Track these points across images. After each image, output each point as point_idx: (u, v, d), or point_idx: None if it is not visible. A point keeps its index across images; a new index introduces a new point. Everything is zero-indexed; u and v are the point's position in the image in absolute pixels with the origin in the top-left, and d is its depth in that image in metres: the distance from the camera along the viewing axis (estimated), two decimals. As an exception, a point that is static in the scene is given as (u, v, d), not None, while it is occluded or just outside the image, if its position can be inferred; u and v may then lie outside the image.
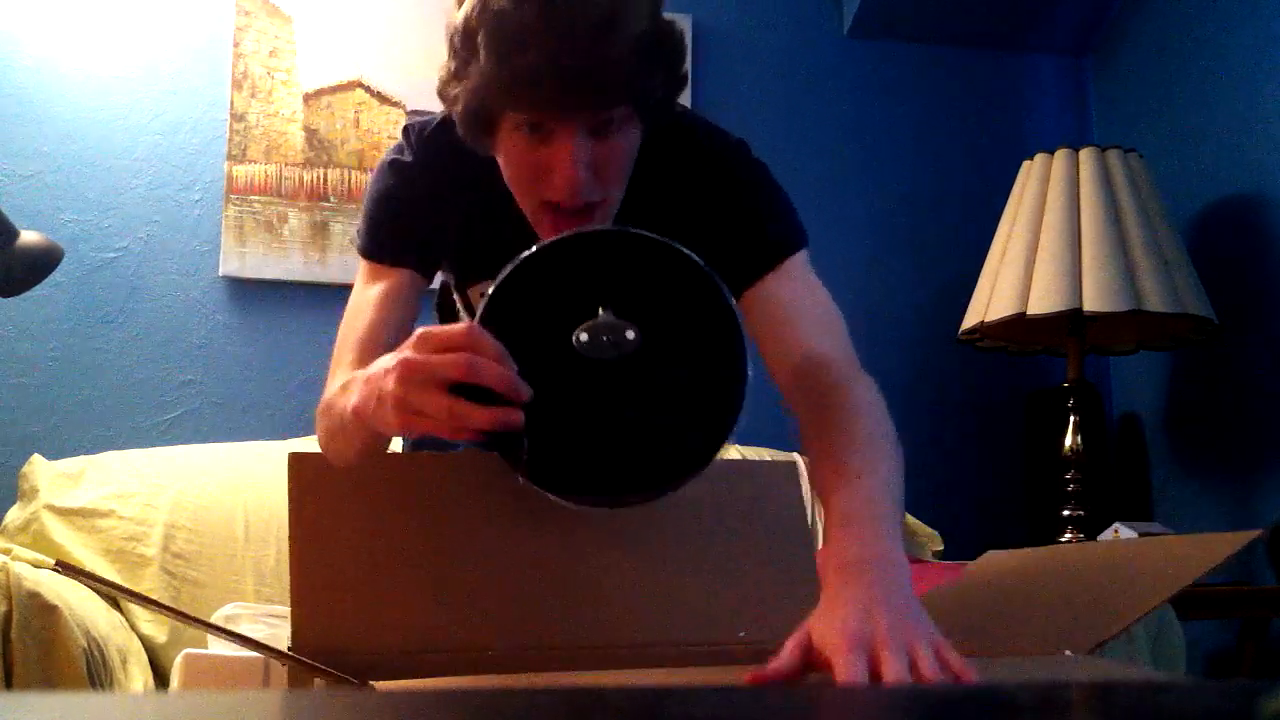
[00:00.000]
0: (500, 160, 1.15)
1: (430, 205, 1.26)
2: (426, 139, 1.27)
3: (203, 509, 1.98)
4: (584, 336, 0.88)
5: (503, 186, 1.20)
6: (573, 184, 1.07)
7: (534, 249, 0.93)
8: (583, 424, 0.87)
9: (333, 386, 1.17)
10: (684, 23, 2.59)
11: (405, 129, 1.29)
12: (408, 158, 1.26)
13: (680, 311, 0.92)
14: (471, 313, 1.29)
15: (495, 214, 1.23)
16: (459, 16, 1.06)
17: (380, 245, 1.27)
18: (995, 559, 1.21)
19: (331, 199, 2.40)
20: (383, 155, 1.30)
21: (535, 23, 1.01)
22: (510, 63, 1.02)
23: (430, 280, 1.29)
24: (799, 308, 1.21)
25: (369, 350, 1.17)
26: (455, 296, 1.34)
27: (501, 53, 1.02)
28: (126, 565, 1.90)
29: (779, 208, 1.27)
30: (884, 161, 2.70)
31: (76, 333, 2.31)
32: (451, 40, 1.09)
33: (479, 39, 1.04)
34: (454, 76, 1.09)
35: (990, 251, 2.39)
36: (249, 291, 2.38)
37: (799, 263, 1.24)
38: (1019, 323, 2.27)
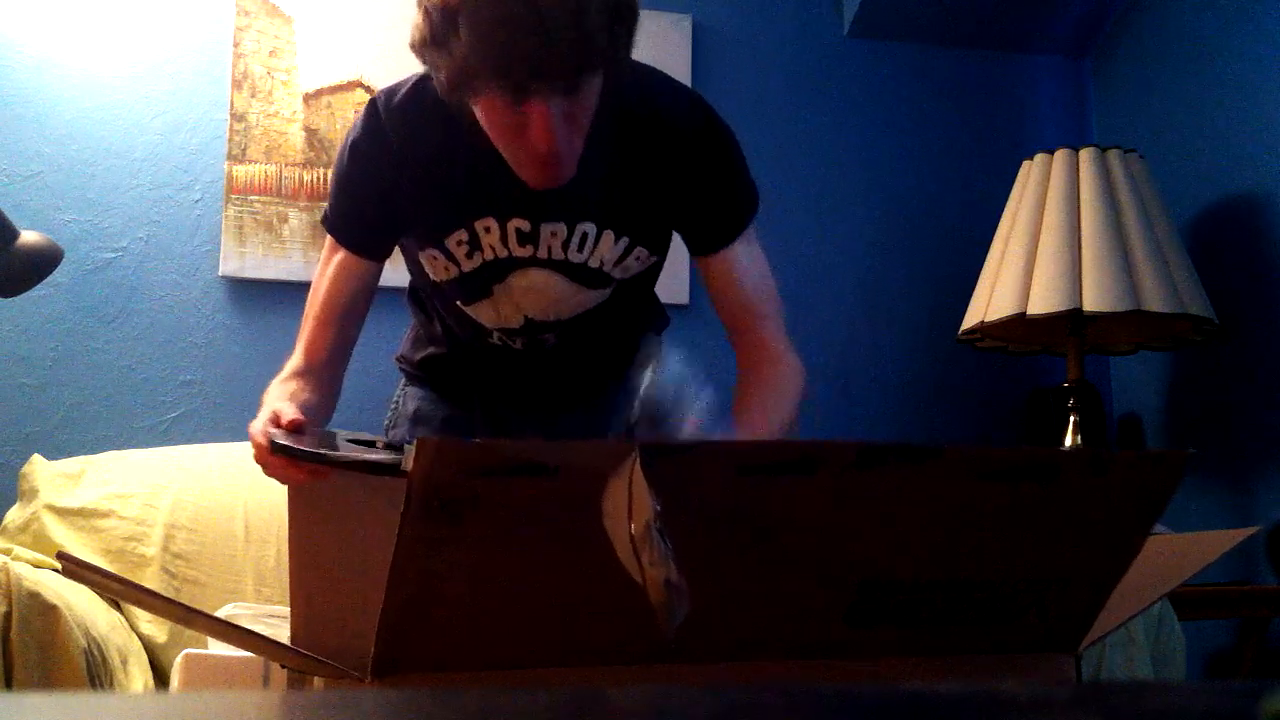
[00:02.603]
0: (479, 114, 1.22)
1: (391, 179, 1.32)
2: (396, 107, 1.33)
3: (203, 509, 1.98)
4: None
5: (481, 130, 1.27)
6: (550, 141, 1.16)
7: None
8: None
9: (293, 359, 1.34)
10: (684, 23, 2.59)
11: (372, 100, 1.35)
12: (365, 136, 1.33)
13: None
14: (452, 259, 1.36)
15: (475, 157, 1.30)
16: None
17: (337, 225, 1.37)
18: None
19: (331, 199, 2.40)
20: (349, 129, 1.37)
21: (516, 5, 1.06)
22: (494, 43, 1.08)
23: (385, 257, 1.39)
24: (747, 271, 1.40)
25: (322, 324, 1.35)
26: (428, 251, 1.38)
27: (484, 34, 1.08)
28: (126, 565, 1.90)
29: (741, 177, 1.40)
30: (884, 161, 2.70)
31: (76, 333, 2.31)
32: (427, 9, 1.14)
33: (460, 18, 1.09)
34: (433, 44, 1.14)
35: (990, 251, 2.39)
36: (249, 291, 2.38)
37: (751, 230, 1.41)
38: (1019, 323, 2.27)
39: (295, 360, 1.35)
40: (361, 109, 1.35)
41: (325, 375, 1.36)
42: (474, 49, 1.09)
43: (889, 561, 0.76)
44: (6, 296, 1.98)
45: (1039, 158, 2.36)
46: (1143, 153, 2.34)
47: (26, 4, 2.37)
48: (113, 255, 2.34)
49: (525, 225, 1.32)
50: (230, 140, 2.38)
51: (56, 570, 1.55)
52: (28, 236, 1.90)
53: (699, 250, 1.40)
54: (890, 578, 0.76)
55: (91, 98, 2.37)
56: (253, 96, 2.41)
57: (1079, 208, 2.25)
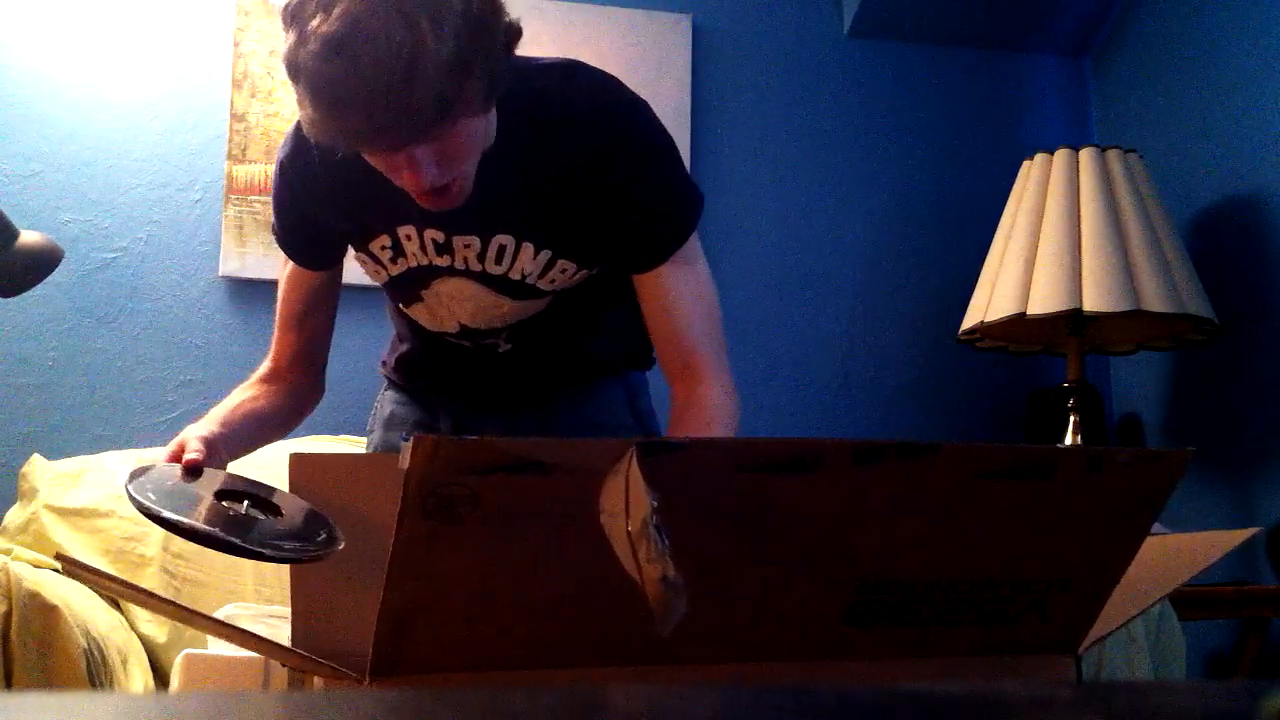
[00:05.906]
0: None
1: (315, 192, 1.33)
2: None
3: (203, 509, 1.98)
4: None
5: None
6: (419, 184, 1.15)
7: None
8: None
9: (264, 364, 1.44)
10: (684, 23, 2.59)
11: (297, 120, 1.33)
12: (289, 154, 1.35)
13: None
14: (379, 263, 1.37)
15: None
16: (284, 47, 1.10)
17: (279, 240, 1.41)
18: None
19: (331, 199, 2.40)
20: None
21: (345, 81, 1.05)
22: (329, 119, 1.08)
23: (331, 265, 1.41)
24: (678, 297, 1.33)
25: (284, 329, 1.43)
26: (358, 255, 1.40)
27: (319, 109, 1.07)
28: (127, 565, 1.90)
29: (666, 194, 1.32)
30: (884, 161, 2.70)
31: (76, 333, 2.31)
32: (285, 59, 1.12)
33: (299, 87, 1.09)
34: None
35: (990, 251, 2.39)
36: (249, 291, 2.38)
37: (686, 249, 1.33)
38: (1019, 323, 2.27)
39: (264, 365, 1.44)
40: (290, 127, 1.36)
41: (292, 377, 1.44)
42: (311, 120, 1.09)
43: (888, 561, 0.75)
44: (6, 296, 1.98)
45: (1039, 158, 2.36)
46: (1143, 153, 2.34)
47: (27, 4, 2.37)
48: (113, 255, 2.34)
49: (440, 236, 1.30)
50: (230, 140, 2.38)
51: (56, 570, 1.55)
52: (28, 236, 1.90)
53: (627, 270, 1.34)
54: (889, 578, 0.76)
55: (91, 97, 2.37)
56: (253, 96, 2.41)
57: (1079, 208, 2.25)
